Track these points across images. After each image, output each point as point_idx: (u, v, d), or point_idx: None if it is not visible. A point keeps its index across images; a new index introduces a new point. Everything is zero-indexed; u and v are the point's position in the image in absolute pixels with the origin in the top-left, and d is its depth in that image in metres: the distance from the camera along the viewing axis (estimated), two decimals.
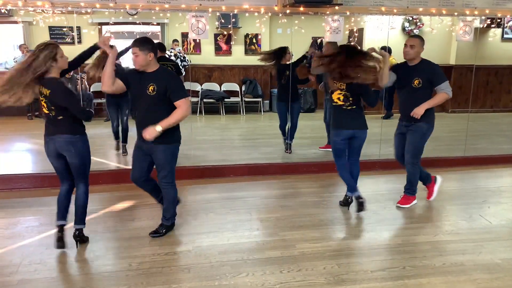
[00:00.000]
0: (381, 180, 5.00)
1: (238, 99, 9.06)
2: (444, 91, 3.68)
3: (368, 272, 2.89)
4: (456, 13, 5.27)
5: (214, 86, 9.05)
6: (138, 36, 3.18)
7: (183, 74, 7.50)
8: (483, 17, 7.34)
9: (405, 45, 3.76)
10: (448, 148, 5.87)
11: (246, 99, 9.05)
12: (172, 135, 3.19)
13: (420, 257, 3.10)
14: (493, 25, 8.44)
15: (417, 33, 8.83)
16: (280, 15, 5.08)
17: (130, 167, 3.37)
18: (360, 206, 3.80)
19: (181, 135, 3.31)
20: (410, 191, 4.02)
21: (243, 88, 9.17)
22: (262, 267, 2.94)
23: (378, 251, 3.19)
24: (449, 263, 3.02)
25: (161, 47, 5.10)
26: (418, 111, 3.65)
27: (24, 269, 2.88)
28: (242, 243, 3.34)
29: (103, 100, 8.29)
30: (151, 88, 3.06)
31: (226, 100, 8.82)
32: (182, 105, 3.06)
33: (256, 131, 7.38)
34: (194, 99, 8.33)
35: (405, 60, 3.83)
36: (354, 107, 3.70)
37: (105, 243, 3.31)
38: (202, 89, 8.85)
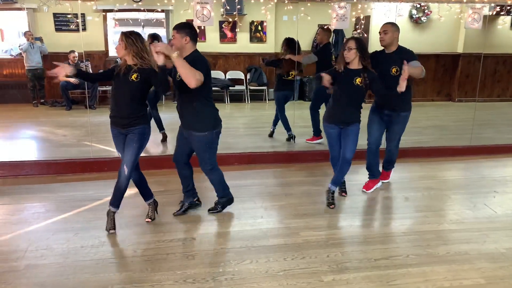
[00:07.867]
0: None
1: (243, 87, 9.02)
2: (420, 66, 3.67)
3: (371, 260, 2.90)
4: (465, 0, 5.19)
5: (218, 74, 8.99)
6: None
7: None
8: (493, 4, 7.20)
9: (379, 32, 3.82)
10: (454, 137, 5.84)
11: (251, 87, 9.01)
12: (205, 123, 3.32)
13: (424, 245, 3.10)
14: (502, 13, 8.29)
15: (424, 21, 8.71)
16: (286, 1, 5.01)
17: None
18: None
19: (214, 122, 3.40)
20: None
21: (248, 76, 9.13)
22: (266, 254, 2.96)
23: (381, 240, 3.20)
24: (453, 251, 3.02)
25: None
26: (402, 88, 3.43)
27: (30, 255, 2.92)
28: (247, 230, 3.36)
29: (109, 88, 8.32)
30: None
31: (230, 88, 8.78)
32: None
33: (261, 120, 7.34)
34: None
35: (382, 47, 3.86)
36: None
37: None
38: None
